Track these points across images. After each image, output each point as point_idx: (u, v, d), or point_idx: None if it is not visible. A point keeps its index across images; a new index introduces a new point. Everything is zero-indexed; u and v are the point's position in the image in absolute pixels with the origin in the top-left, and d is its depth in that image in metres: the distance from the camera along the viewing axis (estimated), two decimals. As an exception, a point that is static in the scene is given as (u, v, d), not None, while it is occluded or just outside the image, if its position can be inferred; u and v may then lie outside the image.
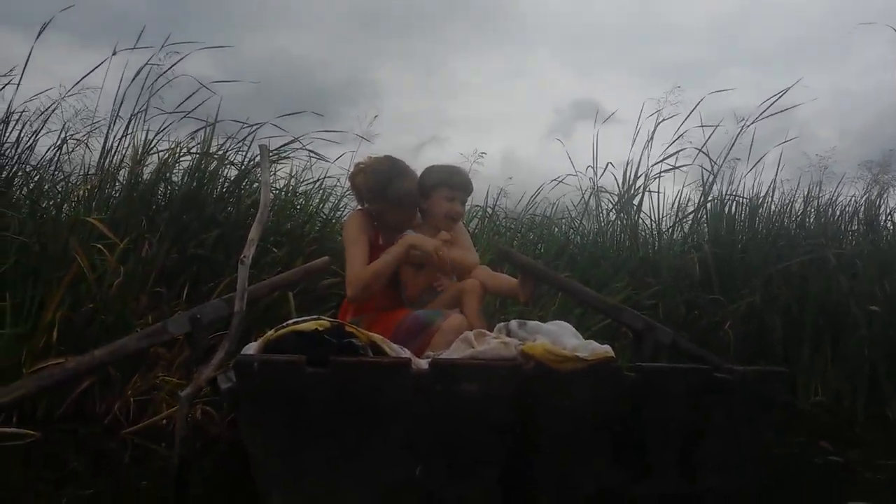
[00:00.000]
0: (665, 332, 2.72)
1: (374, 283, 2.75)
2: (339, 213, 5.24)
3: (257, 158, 4.64)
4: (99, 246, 3.78)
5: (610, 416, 1.90)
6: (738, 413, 1.97)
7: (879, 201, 6.07)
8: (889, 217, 6.09)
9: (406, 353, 1.99)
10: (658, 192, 5.96)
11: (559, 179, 6.10)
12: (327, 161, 5.16)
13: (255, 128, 4.74)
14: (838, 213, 6.02)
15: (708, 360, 2.78)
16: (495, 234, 5.88)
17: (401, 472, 1.75)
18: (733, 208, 5.81)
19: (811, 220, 5.88)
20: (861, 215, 5.98)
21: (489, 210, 6.27)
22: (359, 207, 3.11)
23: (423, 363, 1.87)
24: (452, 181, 2.95)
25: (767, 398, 2.01)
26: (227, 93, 4.86)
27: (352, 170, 3.15)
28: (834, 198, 6.06)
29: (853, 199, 6.15)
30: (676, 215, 6.04)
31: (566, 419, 1.86)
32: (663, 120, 5.94)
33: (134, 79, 4.62)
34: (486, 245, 5.01)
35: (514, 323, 2.12)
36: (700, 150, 5.81)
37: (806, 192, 5.94)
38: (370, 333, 1.97)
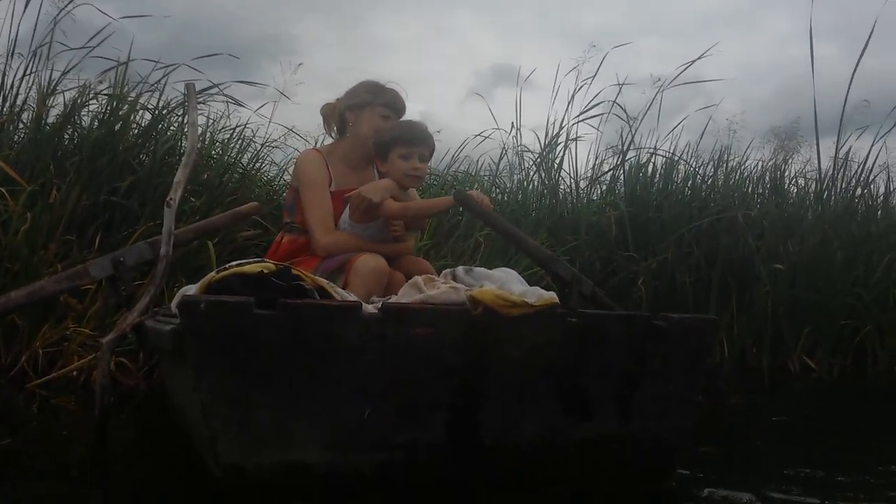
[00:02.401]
0: (587, 284, 2.78)
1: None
2: (259, 164, 5.08)
3: (173, 103, 4.43)
4: (2, 190, 3.53)
5: (554, 360, 1.93)
6: (673, 359, 2.04)
7: (784, 166, 6.38)
8: (793, 181, 6.42)
9: (352, 297, 1.95)
10: (576, 149, 6.07)
11: (484, 134, 6.10)
12: (248, 108, 4.98)
13: (169, 69, 4.50)
14: (746, 176, 6.30)
15: None
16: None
17: (351, 415, 1.73)
18: (649, 170, 5.99)
19: (721, 182, 6.12)
20: (767, 179, 6.27)
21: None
22: (314, 148, 3.05)
23: (371, 307, 1.84)
24: (406, 136, 2.79)
25: (702, 345, 2.08)
26: (138, 40, 4.58)
27: (325, 104, 3.10)
28: (743, 162, 6.34)
29: (760, 163, 6.45)
30: (594, 174, 6.17)
31: (513, 363, 1.88)
32: (583, 84, 6.03)
33: (26, 8, 4.27)
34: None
35: (460, 269, 2.12)
36: (614, 103, 5.92)
37: (717, 156, 6.17)
38: (317, 278, 1.93)
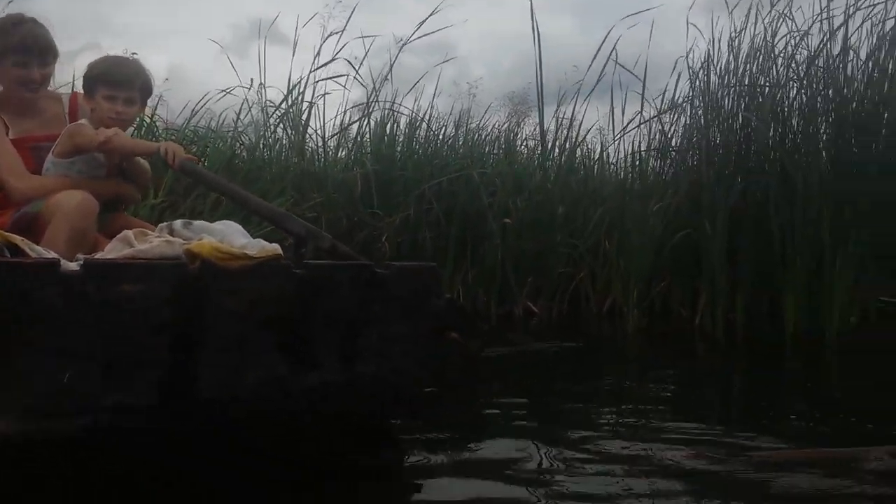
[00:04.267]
0: (324, 238, 2.79)
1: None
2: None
3: None
4: None
5: (278, 311, 1.94)
6: (395, 305, 2.14)
7: (517, 129, 6.87)
8: (524, 143, 6.93)
9: (51, 254, 1.81)
10: (324, 106, 6.08)
11: (226, 90, 5.87)
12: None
13: None
14: (484, 137, 6.71)
15: None
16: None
17: (51, 380, 1.62)
18: (394, 129, 6.16)
19: (460, 142, 6.46)
20: (502, 140, 6.72)
21: (146, 119, 5.82)
22: None
23: (73, 265, 1.72)
24: (111, 76, 2.49)
25: (423, 290, 2.21)
26: None
27: None
28: (480, 124, 6.73)
29: (496, 126, 6.90)
30: (340, 132, 6.21)
31: (234, 316, 1.87)
32: (329, 35, 6.01)
33: None
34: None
35: (178, 223, 2.04)
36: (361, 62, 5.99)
37: (457, 118, 6.50)
38: (8, 234, 1.76)
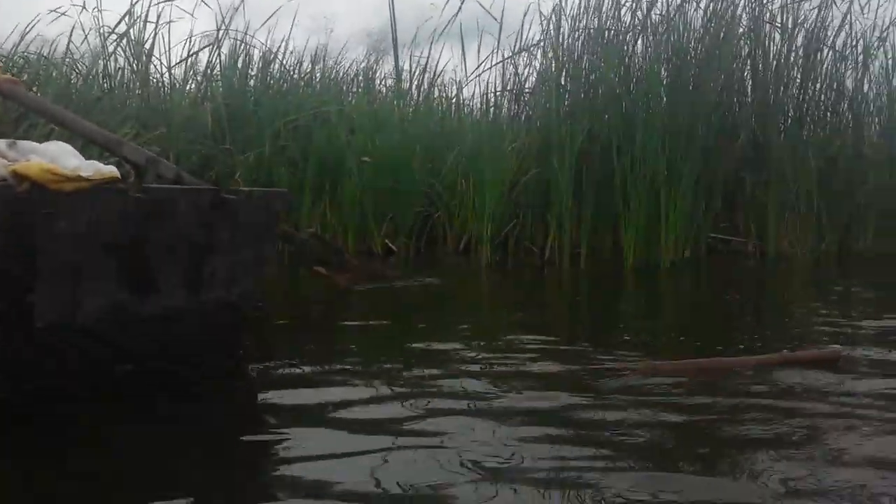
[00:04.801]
0: (168, 167, 2.70)
1: None
2: None
3: None
4: None
5: (117, 236, 1.89)
6: (243, 230, 2.13)
7: (376, 67, 6.81)
8: (383, 81, 6.90)
9: None
10: (169, 35, 5.78)
11: (57, 10, 5.44)
12: None
13: None
14: (341, 75, 6.61)
15: None
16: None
17: None
18: (248, 62, 5.95)
19: (318, 79, 6.34)
20: (360, 79, 6.65)
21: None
22: None
23: None
24: None
25: (270, 216, 2.20)
26: None
27: None
28: (338, 60, 6.62)
29: (355, 62, 6.81)
30: (186, 58, 5.94)
31: (67, 241, 1.80)
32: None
33: None
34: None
35: (1, 143, 1.91)
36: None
37: (314, 53, 6.36)
38: None
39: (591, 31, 5.93)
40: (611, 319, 3.40)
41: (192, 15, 5.89)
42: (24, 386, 1.79)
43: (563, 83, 5.91)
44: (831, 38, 6.23)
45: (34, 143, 1.93)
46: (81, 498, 1.36)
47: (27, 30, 5.42)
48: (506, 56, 6.19)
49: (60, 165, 1.82)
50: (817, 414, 1.74)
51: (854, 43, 6.31)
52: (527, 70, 6.32)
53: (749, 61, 6.07)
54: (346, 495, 1.31)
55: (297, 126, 5.70)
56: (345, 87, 6.65)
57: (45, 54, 5.52)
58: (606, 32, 5.92)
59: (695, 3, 5.82)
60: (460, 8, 6.03)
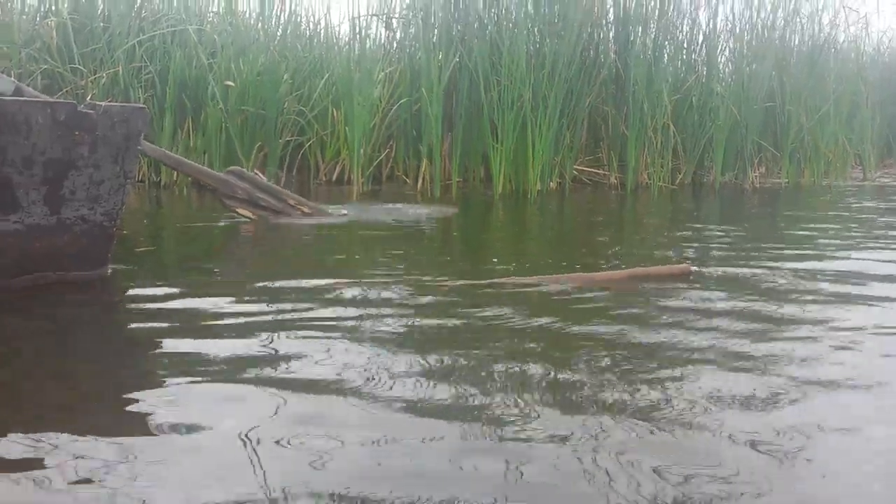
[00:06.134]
0: (6, 81, 2.49)
1: None
2: None
3: None
4: None
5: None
6: (103, 146, 2.01)
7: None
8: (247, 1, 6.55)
9: None
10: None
11: None
12: None
13: None
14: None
15: None
16: None
17: None
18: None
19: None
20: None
21: None
22: None
23: None
24: None
25: (132, 132, 2.09)
26: None
27: None
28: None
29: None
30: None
31: None
32: None
33: None
34: None
35: None
36: None
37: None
38: None
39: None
40: (476, 243, 3.51)
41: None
42: None
43: (430, 10, 5.85)
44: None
45: None
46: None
47: None
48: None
49: None
50: (659, 325, 1.86)
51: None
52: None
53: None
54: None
55: (154, 46, 5.36)
56: (204, 6, 6.28)
57: None
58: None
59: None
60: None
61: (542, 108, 5.50)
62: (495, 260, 2.89)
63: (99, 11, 5.28)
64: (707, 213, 5.02)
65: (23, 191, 1.86)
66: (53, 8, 5.30)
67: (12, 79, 2.62)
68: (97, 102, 2.01)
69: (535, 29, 5.77)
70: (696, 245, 3.33)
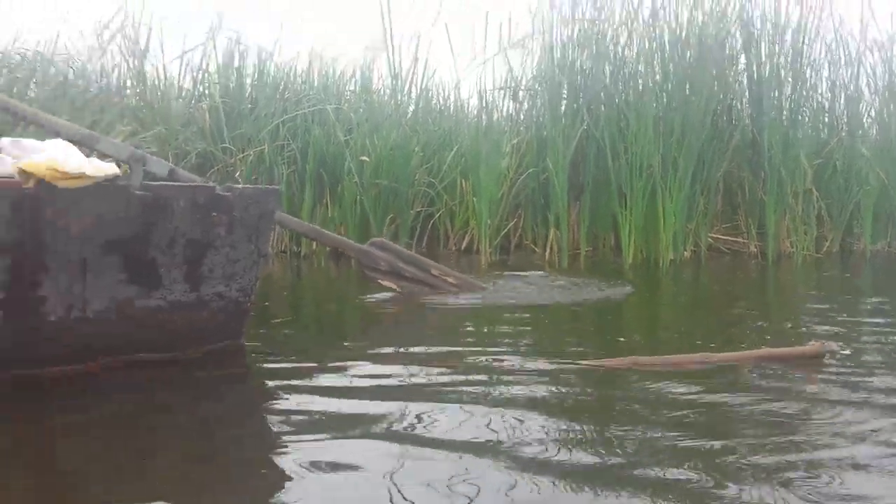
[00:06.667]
0: (161, 164, 2.68)
1: None
2: None
3: None
4: None
5: (120, 232, 1.91)
6: (238, 226, 2.15)
7: (372, 65, 6.81)
8: (381, 80, 6.90)
9: None
10: (162, 34, 5.78)
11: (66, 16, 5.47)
12: None
13: None
14: (339, 73, 6.62)
15: None
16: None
17: None
18: (243, 60, 5.97)
19: (315, 77, 6.35)
20: (358, 76, 6.66)
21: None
22: None
23: None
24: None
25: (265, 212, 2.22)
26: None
27: None
28: (336, 58, 6.64)
29: (352, 61, 6.82)
30: (184, 61, 5.95)
31: (74, 237, 1.82)
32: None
33: None
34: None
35: (5, 140, 1.92)
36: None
37: (310, 51, 6.37)
38: None
39: (584, 24, 5.92)
40: (609, 315, 3.42)
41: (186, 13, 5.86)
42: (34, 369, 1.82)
43: (556, 81, 5.91)
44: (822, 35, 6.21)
45: (37, 142, 1.95)
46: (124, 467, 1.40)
47: (23, 28, 5.45)
48: (494, 53, 6.20)
49: (63, 163, 1.83)
50: (787, 414, 1.74)
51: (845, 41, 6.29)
52: (522, 67, 6.34)
53: (742, 58, 6.05)
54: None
55: (296, 125, 5.72)
56: (342, 86, 6.66)
57: (40, 51, 5.53)
58: (596, 27, 5.90)
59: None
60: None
61: (671, 173, 5.38)
62: (622, 336, 2.81)
63: (247, 94, 5.71)
64: (856, 283, 4.68)
65: (165, 269, 2.01)
66: (206, 92, 5.79)
67: (168, 162, 2.86)
68: (233, 185, 2.16)
69: (664, 95, 5.69)
70: (844, 318, 3.10)
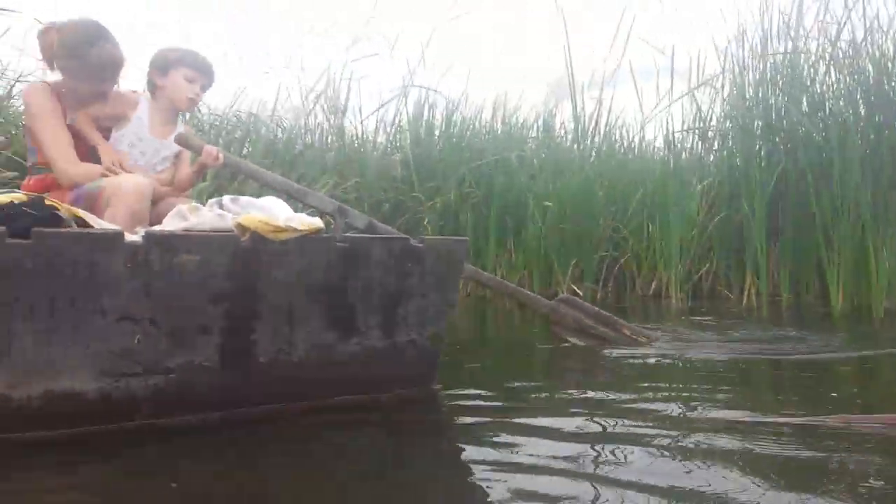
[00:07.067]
0: (360, 217, 2.86)
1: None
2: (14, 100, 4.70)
3: None
4: None
5: (321, 281, 2.06)
6: (429, 276, 2.24)
7: (555, 111, 6.90)
8: (563, 125, 6.95)
9: (113, 227, 1.94)
10: (360, 90, 6.20)
11: (267, 74, 6.06)
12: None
13: None
14: (521, 120, 6.76)
15: None
16: (199, 131, 5.70)
17: (119, 343, 1.75)
18: (431, 114, 6.26)
19: (498, 125, 6.52)
20: (540, 122, 6.76)
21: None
22: (42, 80, 2.79)
23: (136, 236, 1.85)
24: (197, 62, 2.75)
25: (454, 262, 2.30)
26: None
27: (42, 27, 2.67)
28: (518, 106, 6.79)
29: (534, 107, 6.95)
30: (378, 116, 6.34)
31: (282, 286, 1.98)
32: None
33: None
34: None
35: (226, 198, 2.15)
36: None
37: (493, 100, 6.57)
38: (73, 208, 1.89)
39: (776, 59, 5.62)
40: (819, 373, 3.15)
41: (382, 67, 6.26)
42: (238, 408, 1.99)
43: (749, 119, 5.64)
44: None
45: (253, 199, 2.15)
46: None
47: (240, 93, 6.07)
48: (683, 93, 6.03)
49: (275, 217, 2.01)
50: None
51: None
52: (711, 106, 6.12)
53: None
54: None
55: (480, 173, 5.88)
56: (524, 133, 6.77)
57: (254, 112, 6.13)
58: (791, 60, 5.58)
59: (882, 32, 5.36)
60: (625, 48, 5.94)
61: (883, 213, 4.93)
62: (835, 395, 2.59)
63: (436, 146, 5.98)
64: None
65: (362, 317, 2.13)
66: (399, 144, 6.12)
67: (365, 214, 3.05)
68: (425, 237, 2.27)
69: (870, 130, 5.25)
70: None
